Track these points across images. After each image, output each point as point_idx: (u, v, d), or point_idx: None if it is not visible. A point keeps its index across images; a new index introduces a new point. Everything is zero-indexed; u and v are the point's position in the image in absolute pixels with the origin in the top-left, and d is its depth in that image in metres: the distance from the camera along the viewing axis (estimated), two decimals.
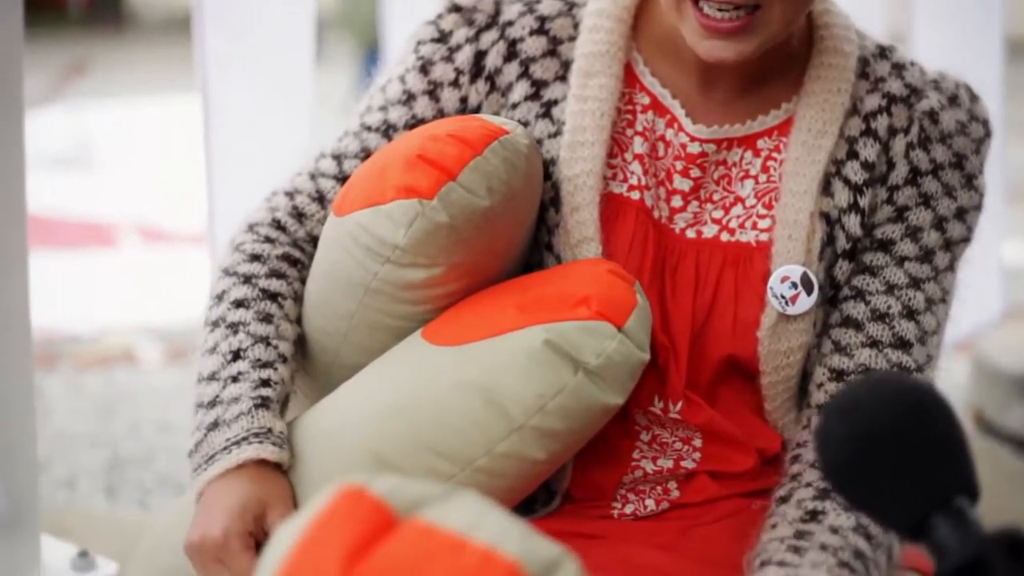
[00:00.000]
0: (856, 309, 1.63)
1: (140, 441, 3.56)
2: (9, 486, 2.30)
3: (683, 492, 1.65)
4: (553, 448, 1.53)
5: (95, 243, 5.85)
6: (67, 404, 3.85)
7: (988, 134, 1.68)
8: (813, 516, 1.52)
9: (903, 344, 1.61)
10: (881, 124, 1.64)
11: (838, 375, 1.62)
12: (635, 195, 1.64)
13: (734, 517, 1.64)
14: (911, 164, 1.64)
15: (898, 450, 1.12)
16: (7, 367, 2.29)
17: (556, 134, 1.65)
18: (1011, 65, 3.99)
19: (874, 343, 1.62)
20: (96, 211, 6.47)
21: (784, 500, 1.57)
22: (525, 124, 1.66)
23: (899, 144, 1.64)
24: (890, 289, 1.62)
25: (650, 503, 1.65)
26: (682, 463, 1.64)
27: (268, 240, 1.71)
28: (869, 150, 1.64)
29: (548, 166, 1.65)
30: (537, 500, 1.65)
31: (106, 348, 4.38)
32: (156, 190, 6.43)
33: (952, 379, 3.73)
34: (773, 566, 1.47)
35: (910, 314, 1.62)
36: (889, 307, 1.62)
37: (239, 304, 1.65)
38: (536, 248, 1.66)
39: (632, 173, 1.65)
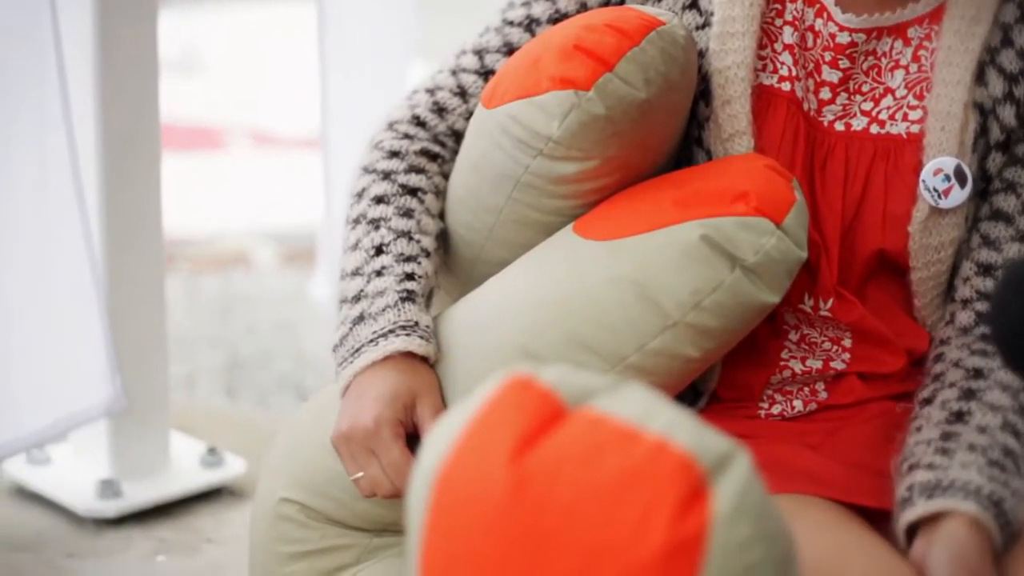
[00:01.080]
0: (1007, 202, 1.60)
1: (258, 343, 3.57)
2: (138, 382, 2.33)
3: (831, 393, 1.63)
4: (706, 346, 1.51)
5: (206, 147, 5.86)
6: (184, 306, 3.86)
7: None
8: (959, 417, 1.49)
9: None
10: None
11: (985, 269, 1.59)
12: (785, 86, 1.60)
13: (882, 419, 1.61)
14: None
15: None
16: (139, 268, 2.31)
17: (704, 25, 1.61)
18: None
19: (1023, 237, 1.58)
20: (207, 116, 6.48)
21: (928, 402, 1.54)
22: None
23: None
24: None
25: (798, 404, 1.63)
26: (831, 364, 1.62)
27: (407, 136, 1.69)
28: None
29: (697, 58, 1.61)
30: (683, 400, 1.63)
31: (221, 251, 4.39)
32: (266, 94, 6.41)
33: None
34: (922, 469, 1.44)
35: None
36: None
37: (379, 200, 1.64)
38: (685, 143, 1.63)
39: (782, 64, 1.61)
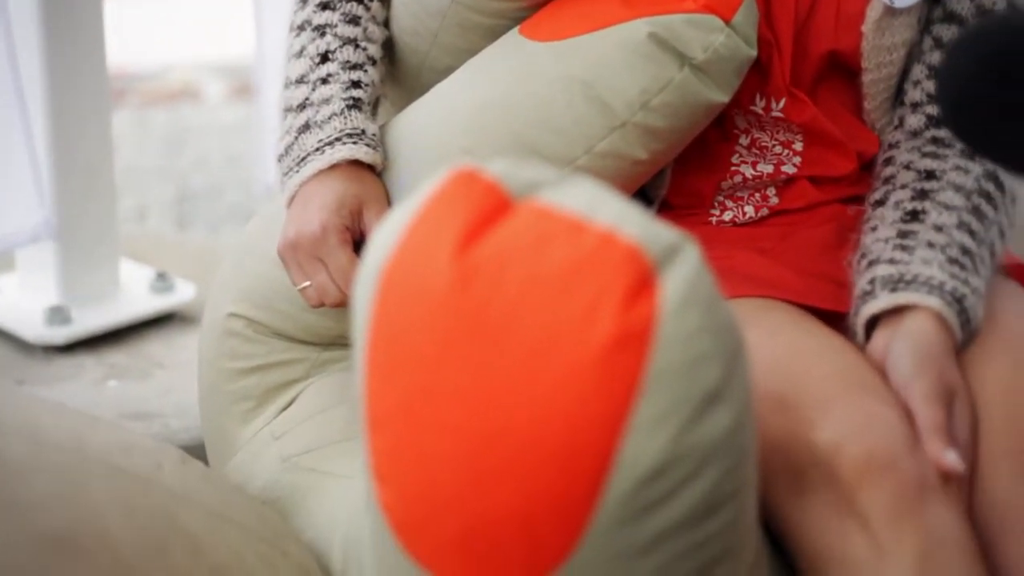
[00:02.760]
0: (960, 4, 1.57)
1: (208, 175, 3.54)
2: (86, 210, 2.30)
3: (782, 198, 1.61)
4: (655, 147, 1.49)
5: None
6: (134, 139, 3.82)
7: None
8: (914, 216, 1.47)
9: None
10: None
11: (936, 72, 1.56)
12: None
13: (834, 222, 1.60)
14: None
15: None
16: (85, 102, 2.27)
17: None
18: None
19: None
20: None
21: (880, 203, 1.52)
22: None
23: None
24: None
25: (749, 210, 1.61)
26: (782, 168, 1.59)
27: None
28: None
29: None
30: None
31: (170, 84, 4.35)
32: None
33: None
34: (883, 264, 1.43)
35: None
36: (994, 2, 1.56)
37: (325, 6, 1.59)
38: None
39: None
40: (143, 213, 3.30)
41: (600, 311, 1.03)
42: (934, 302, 1.39)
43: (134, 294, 2.36)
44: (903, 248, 1.44)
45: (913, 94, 1.59)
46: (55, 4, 2.21)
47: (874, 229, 1.49)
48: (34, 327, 2.26)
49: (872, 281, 1.43)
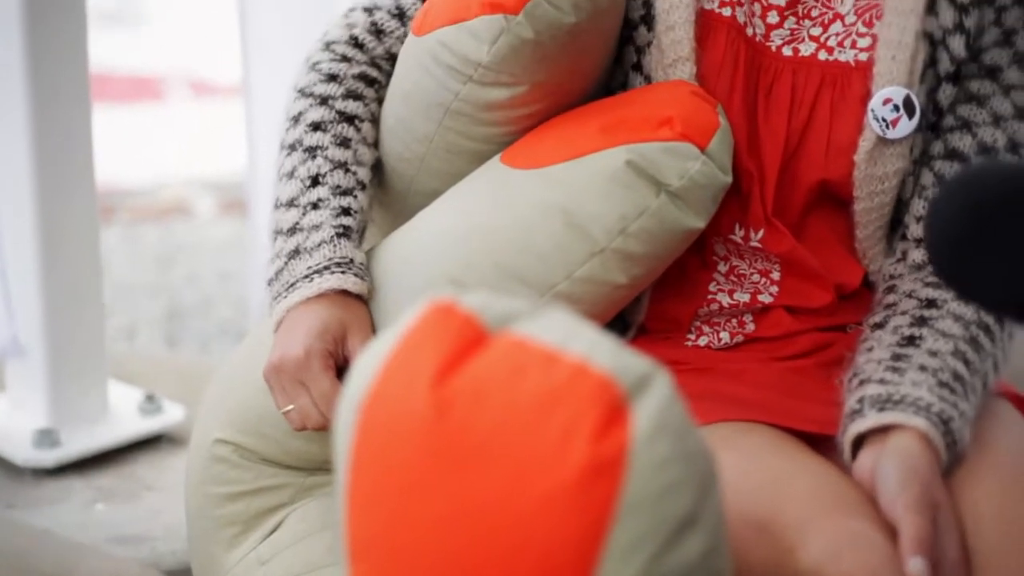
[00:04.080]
0: (963, 141, 1.57)
1: (199, 291, 3.56)
2: (75, 330, 2.32)
3: (759, 325, 1.62)
4: (634, 272, 1.51)
5: (146, 97, 5.83)
6: (125, 256, 3.85)
7: None
8: (911, 341, 1.48)
9: None
10: None
11: (924, 222, 1.57)
12: (726, 11, 1.57)
13: (812, 355, 1.61)
14: None
15: (1007, 221, 1.09)
16: (72, 219, 2.30)
17: None
18: None
19: None
20: (146, 65, 6.43)
21: (879, 326, 1.53)
22: None
23: None
24: (996, 120, 1.56)
25: (724, 336, 1.63)
26: (759, 297, 1.61)
27: (345, 59, 1.66)
28: None
29: None
30: (611, 331, 1.62)
31: (161, 201, 4.38)
32: (205, 43, 6.37)
33: None
34: (873, 383, 1.44)
35: (1014, 148, 1.56)
36: (995, 140, 1.56)
37: (316, 127, 1.62)
38: (621, 69, 1.61)
39: None
40: (133, 331, 3.31)
41: (573, 441, 1.04)
42: (920, 423, 1.39)
43: (123, 416, 2.37)
44: (895, 370, 1.45)
45: (915, 229, 1.59)
46: (44, 120, 2.24)
47: (869, 350, 1.50)
48: (23, 449, 2.27)
49: (861, 400, 1.44)
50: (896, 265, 1.60)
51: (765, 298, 1.62)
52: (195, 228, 4.11)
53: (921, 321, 1.50)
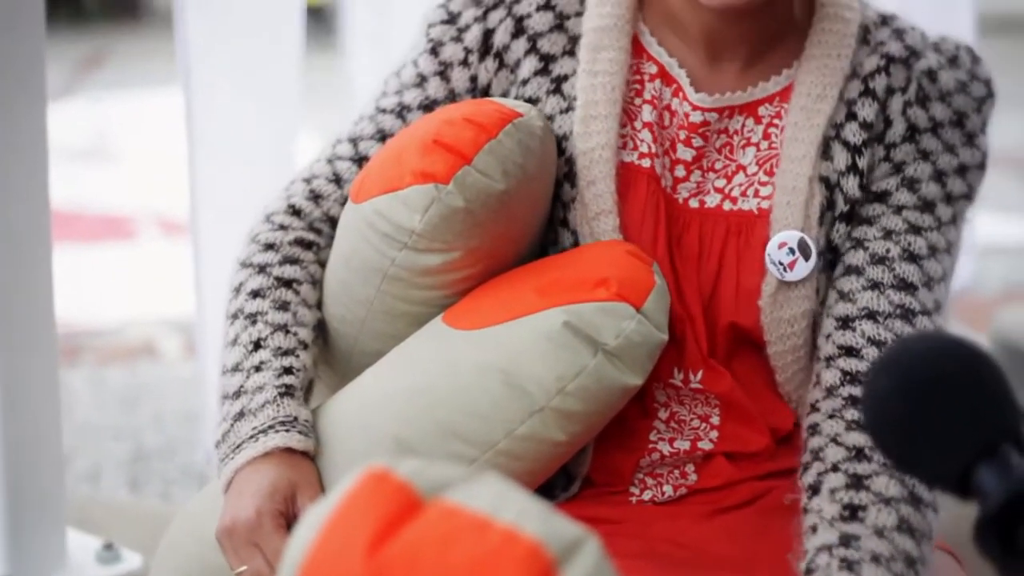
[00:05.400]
0: (856, 257, 1.62)
1: (163, 433, 3.58)
2: (34, 478, 2.32)
3: (700, 475, 1.65)
4: (573, 430, 1.54)
5: (114, 236, 5.87)
6: (90, 397, 3.87)
7: (991, 94, 1.67)
8: (853, 514, 1.48)
9: (906, 286, 1.60)
10: (879, 84, 1.64)
11: (844, 322, 1.60)
12: (645, 163, 1.64)
13: (753, 504, 1.64)
14: (909, 121, 1.64)
15: (943, 395, 1.12)
16: (32, 361, 2.31)
17: (568, 109, 1.66)
18: (983, 40, 4.02)
19: (875, 285, 1.60)
20: (115, 203, 6.48)
21: (815, 490, 1.53)
22: (536, 100, 1.67)
23: (897, 102, 1.64)
24: (887, 235, 1.61)
25: (668, 489, 1.65)
26: (699, 444, 1.64)
27: (282, 227, 1.72)
28: (867, 110, 1.64)
29: (561, 141, 1.65)
30: (556, 485, 1.65)
31: (127, 341, 4.40)
32: (174, 182, 6.44)
33: None
34: None
35: (911, 257, 1.61)
36: (888, 250, 1.61)
37: (256, 294, 1.67)
38: (551, 225, 1.66)
39: (642, 141, 1.65)
40: (97, 474, 3.32)
41: None
42: None
43: (80, 565, 2.37)
44: (848, 567, 1.44)
45: (826, 348, 1.62)
46: (2, 261, 2.25)
47: (814, 530, 1.49)
48: None
49: None
50: (812, 391, 1.62)
51: (705, 444, 1.64)
52: (161, 368, 4.13)
53: (857, 482, 1.50)
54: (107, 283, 5.07)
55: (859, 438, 1.54)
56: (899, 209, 1.62)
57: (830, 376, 1.59)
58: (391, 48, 3.55)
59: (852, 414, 1.56)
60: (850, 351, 1.58)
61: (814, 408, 1.60)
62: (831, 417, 1.57)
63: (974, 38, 4.18)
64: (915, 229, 1.62)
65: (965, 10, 4.15)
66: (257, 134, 3.05)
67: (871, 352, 1.57)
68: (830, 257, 1.63)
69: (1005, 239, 5.31)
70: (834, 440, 1.55)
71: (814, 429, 1.58)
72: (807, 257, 1.60)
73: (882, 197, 1.63)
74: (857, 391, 1.57)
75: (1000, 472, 1.09)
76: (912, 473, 1.19)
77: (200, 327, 3.05)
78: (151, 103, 9.22)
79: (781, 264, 1.60)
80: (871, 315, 1.58)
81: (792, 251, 1.60)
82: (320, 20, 15.33)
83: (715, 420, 1.64)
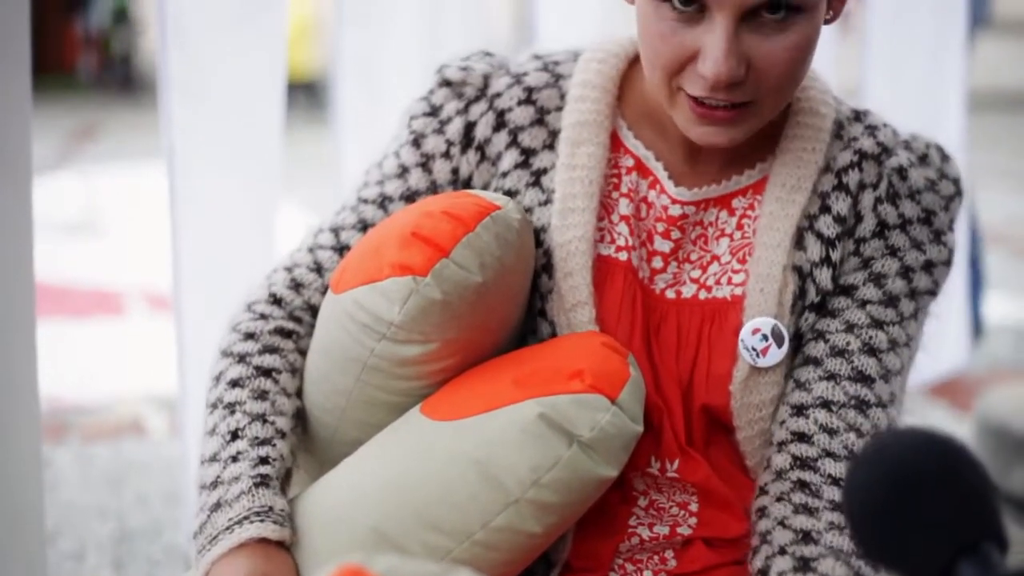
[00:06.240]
0: (816, 348, 1.64)
1: (148, 513, 3.57)
2: (17, 559, 2.31)
3: (680, 561, 1.66)
4: (549, 521, 1.54)
5: (103, 311, 5.88)
6: (76, 475, 3.86)
7: (959, 192, 1.70)
8: None
9: (863, 378, 1.62)
10: (852, 179, 1.67)
11: (798, 410, 1.62)
12: (623, 255, 1.67)
13: None
14: (879, 218, 1.66)
15: (924, 493, 1.12)
16: (15, 439, 2.30)
17: (547, 202, 1.68)
18: (974, 116, 4.06)
19: (831, 376, 1.62)
20: (105, 278, 6.50)
21: (763, 575, 1.55)
22: (515, 192, 1.69)
23: (868, 198, 1.66)
24: (849, 328, 1.64)
25: (647, 574, 1.66)
26: (678, 529, 1.65)
27: (263, 316, 1.73)
28: (840, 204, 1.66)
29: (539, 233, 1.68)
30: (536, 571, 1.66)
31: (114, 418, 4.40)
32: (162, 256, 6.48)
33: None
34: None
35: (871, 351, 1.63)
36: (848, 343, 1.63)
37: (235, 384, 1.68)
38: (529, 315, 1.68)
39: (619, 234, 1.67)
40: (81, 554, 3.31)
41: None
42: None
43: None
44: None
45: (779, 433, 1.64)
46: None
47: None
48: None
49: None
50: (763, 474, 1.64)
51: (684, 530, 1.65)
52: (148, 447, 4.13)
53: (804, 565, 1.52)
54: (95, 359, 5.08)
55: (806, 522, 1.56)
56: (863, 303, 1.65)
57: (780, 460, 1.62)
58: (379, 125, 3.59)
59: (800, 498, 1.58)
60: (802, 437, 1.60)
61: (763, 491, 1.62)
62: (779, 500, 1.59)
63: (963, 114, 4.23)
64: (877, 323, 1.64)
65: (954, 87, 4.19)
66: (239, 210, 3.08)
67: (823, 439, 1.59)
68: (796, 344, 1.65)
69: (991, 316, 5.33)
70: (781, 523, 1.57)
71: (762, 512, 1.60)
72: (780, 344, 1.62)
73: (848, 291, 1.66)
74: (806, 475, 1.59)
75: (981, 571, 1.09)
76: (892, 569, 1.19)
77: (183, 405, 3.05)
78: (142, 176, 9.28)
79: (754, 350, 1.61)
80: (825, 404, 1.61)
81: (765, 337, 1.61)
82: (311, 94, 15.46)
83: (694, 507, 1.65)
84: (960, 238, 4.17)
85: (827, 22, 1.59)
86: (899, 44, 4.09)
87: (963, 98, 4.24)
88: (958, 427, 3.93)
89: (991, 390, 3.89)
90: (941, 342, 4.24)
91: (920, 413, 4.02)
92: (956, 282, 4.28)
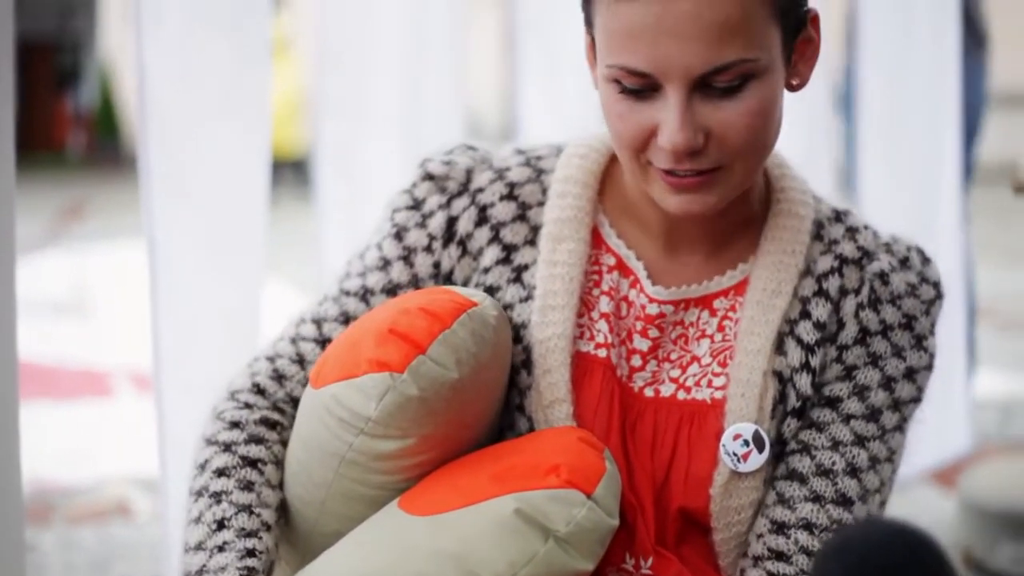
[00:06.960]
0: (802, 463, 1.66)
1: None
2: None
3: None
4: None
5: (90, 392, 5.88)
6: (60, 560, 3.84)
7: (939, 296, 1.71)
8: None
9: (845, 501, 1.63)
10: (833, 285, 1.68)
11: (779, 527, 1.64)
12: (602, 352, 1.68)
13: None
14: (861, 324, 1.68)
15: None
16: None
17: (527, 298, 1.70)
18: (974, 189, 4.08)
19: (817, 498, 1.64)
20: (92, 359, 6.50)
21: None
22: (497, 288, 1.71)
23: (850, 304, 1.68)
24: (835, 445, 1.65)
25: None
26: None
27: (247, 406, 1.74)
28: (821, 310, 1.68)
29: (519, 330, 1.69)
30: None
31: (100, 500, 4.39)
32: (147, 337, 6.47)
33: (940, 517, 3.76)
34: None
35: (853, 472, 1.64)
36: (834, 463, 1.65)
37: (221, 473, 1.68)
38: (507, 410, 1.69)
39: (599, 331, 1.69)
40: None
41: None
42: None
43: None
44: None
45: (756, 547, 1.65)
46: None
47: None
48: None
49: None
50: None
51: None
52: (133, 530, 4.11)
53: None
54: (82, 441, 5.06)
55: None
56: (848, 419, 1.66)
57: (755, 575, 1.63)
58: (359, 209, 3.61)
59: None
60: (780, 555, 1.62)
61: None
62: None
63: (960, 189, 4.24)
64: (860, 440, 1.66)
65: (950, 161, 4.19)
66: (222, 293, 3.08)
67: (801, 560, 1.61)
68: (778, 450, 1.66)
69: (978, 393, 5.34)
70: None
71: None
72: (761, 449, 1.63)
73: (833, 403, 1.67)
74: None
75: None
76: None
77: (164, 488, 3.05)
78: (129, 254, 9.28)
79: (735, 455, 1.63)
80: (808, 526, 1.62)
81: (747, 443, 1.63)
82: (299, 172, 15.54)
83: None
84: (958, 320, 4.17)
85: (795, 88, 1.62)
86: (893, 126, 4.08)
87: (959, 174, 4.23)
88: (946, 504, 3.93)
89: (975, 468, 3.90)
90: (943, 427, 4.24)
91: (910, 493, 4.02)
92: (957, 367, 4.27)
